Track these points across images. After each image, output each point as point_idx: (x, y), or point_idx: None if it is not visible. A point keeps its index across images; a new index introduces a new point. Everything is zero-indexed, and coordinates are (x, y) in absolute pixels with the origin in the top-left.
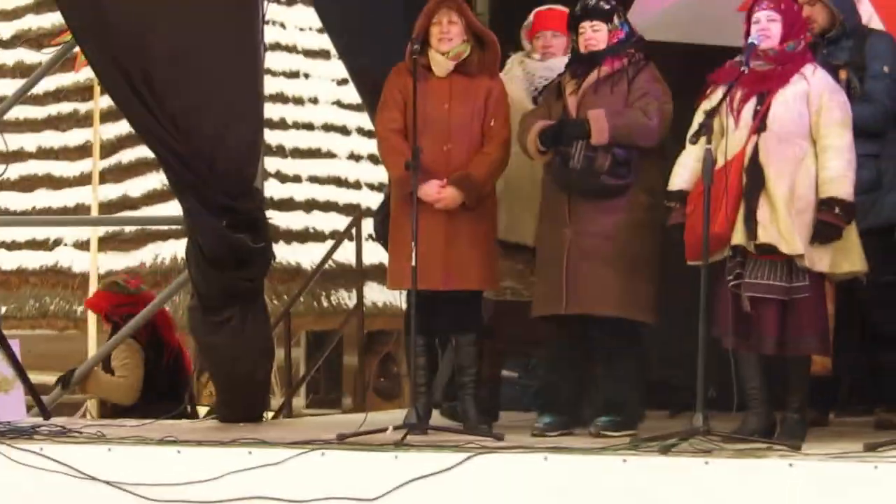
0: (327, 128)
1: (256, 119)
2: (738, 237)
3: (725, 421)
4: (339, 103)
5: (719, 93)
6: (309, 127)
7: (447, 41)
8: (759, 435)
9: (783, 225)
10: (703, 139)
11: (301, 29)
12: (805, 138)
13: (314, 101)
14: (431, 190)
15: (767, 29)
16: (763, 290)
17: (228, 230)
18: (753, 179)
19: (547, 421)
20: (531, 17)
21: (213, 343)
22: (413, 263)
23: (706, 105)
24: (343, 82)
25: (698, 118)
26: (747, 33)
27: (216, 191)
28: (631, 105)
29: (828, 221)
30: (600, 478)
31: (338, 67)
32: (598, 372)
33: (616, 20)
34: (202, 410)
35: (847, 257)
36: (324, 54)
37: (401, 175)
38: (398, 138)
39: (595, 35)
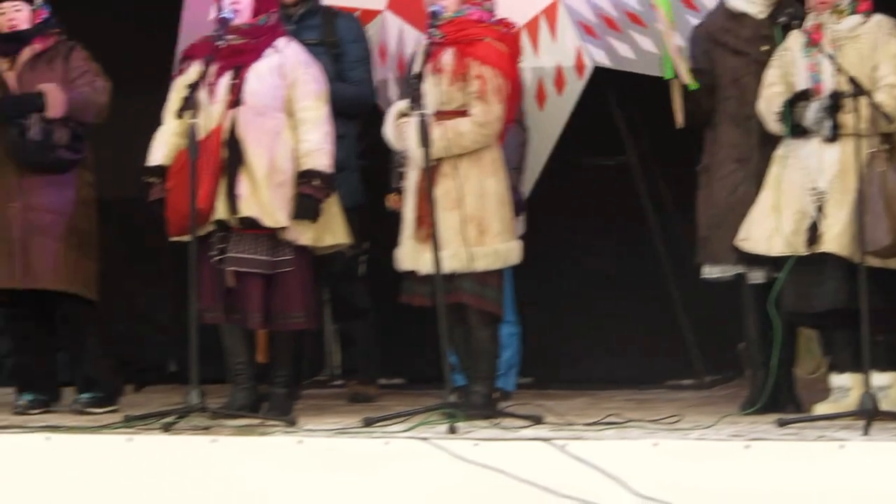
0: None
1: None
2: (220, 212)
3: (223, 395)
4: None
5: (194, 67)
6: None
7: None
8: (246, 410)
9: (264, 198)
10: (188, 113)
11: None
12: (281, 111)
13: None
14: None
15: (238, 3)
16: (246, 264)
17: None
18: (233, 153)
19: (29, 399)
20: None
21: None
22: None
23: (183, 80)
24: None
25: (178, 93)
26: (219, 8)
27: None
28: (72, 82)
29: (307, 194)
30: (104, 457)
31: None
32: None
33: (37, 0)
34: None
35: (330, 230)
36: None
37: None
38: None
39: (17, 15)
